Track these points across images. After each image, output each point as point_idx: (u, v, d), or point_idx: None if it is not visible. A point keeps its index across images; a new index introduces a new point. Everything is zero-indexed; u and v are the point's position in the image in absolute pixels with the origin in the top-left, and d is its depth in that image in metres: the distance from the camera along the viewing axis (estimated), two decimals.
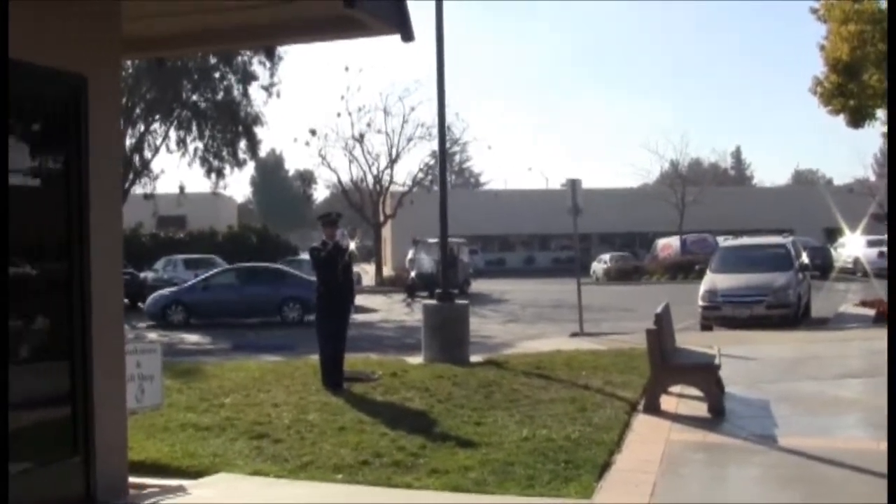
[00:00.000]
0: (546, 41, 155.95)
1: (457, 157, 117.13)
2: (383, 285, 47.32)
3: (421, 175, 51.67)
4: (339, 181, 52.22)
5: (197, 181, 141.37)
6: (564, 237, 66.29)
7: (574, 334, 20.15)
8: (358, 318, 23.17)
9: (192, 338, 23.29)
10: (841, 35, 19.98)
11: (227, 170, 41.41)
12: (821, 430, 8.94)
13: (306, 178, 56.53)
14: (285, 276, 28.06)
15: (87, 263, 6.35)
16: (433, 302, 15.87)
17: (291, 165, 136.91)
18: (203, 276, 29.21)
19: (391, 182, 51.23)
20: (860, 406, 10.21)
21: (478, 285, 43.46)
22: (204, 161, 40.81)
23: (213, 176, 41.35)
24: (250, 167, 73.85)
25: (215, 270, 30.56)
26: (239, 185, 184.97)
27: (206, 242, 48.76)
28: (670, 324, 11.62)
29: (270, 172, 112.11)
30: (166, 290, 28.29)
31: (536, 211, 66.96)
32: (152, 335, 22.02)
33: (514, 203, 69.79)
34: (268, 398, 11.19)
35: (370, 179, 50.78)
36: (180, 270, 36.40)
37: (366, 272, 51.43)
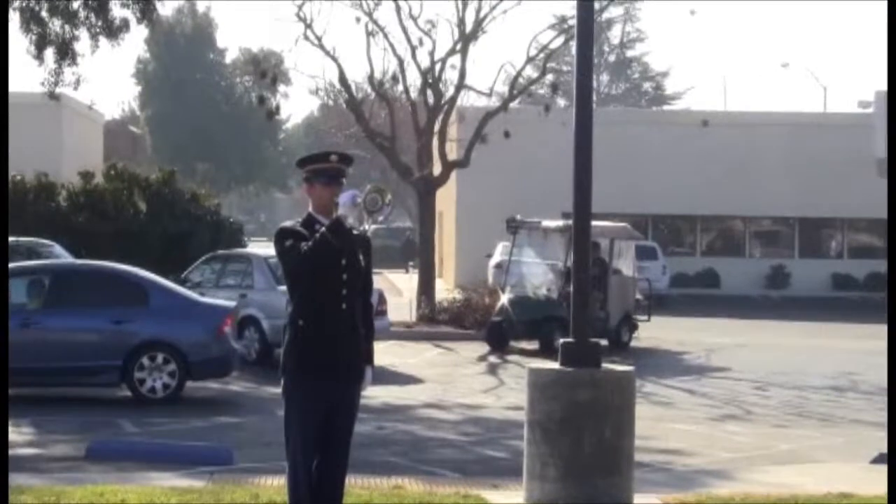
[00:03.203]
0: None
1: (614, 36, 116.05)
2: (436, 322, 46.65)
3: (530, 74, 50.67)
4: (343, 79, 51.13)
5: (16, 70, 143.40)
6: (863, 224, 66.14)
7: (882, 458, 19.57)
8: (379, 392, 24.04)
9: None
10: None
11: (86, 44, 40.55)
12: None
13: (266, 73, 53.81)
14: (143, 290, 28.40)
15: None
16: (550, 366, 15.90)
17: (232, 42, 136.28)
18: None
19: (462, 86, 50.16)
20: None
21: (654, 329, 42.83)
22: (32, 22, 39.31)
23: (53, 56, 40.29)
24: (139, 39, 73.96)
25: None
26: (111, 80, 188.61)
27: (32, 208, 48.91)
28: None
29: (184, 55, 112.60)
30: None
31: (796, 162, 66.10)
32: None
33: (745, 141, 69.17)
34: None
35: (414, 79, 49.77)
36: None
37: (398, 291, 52.08)
